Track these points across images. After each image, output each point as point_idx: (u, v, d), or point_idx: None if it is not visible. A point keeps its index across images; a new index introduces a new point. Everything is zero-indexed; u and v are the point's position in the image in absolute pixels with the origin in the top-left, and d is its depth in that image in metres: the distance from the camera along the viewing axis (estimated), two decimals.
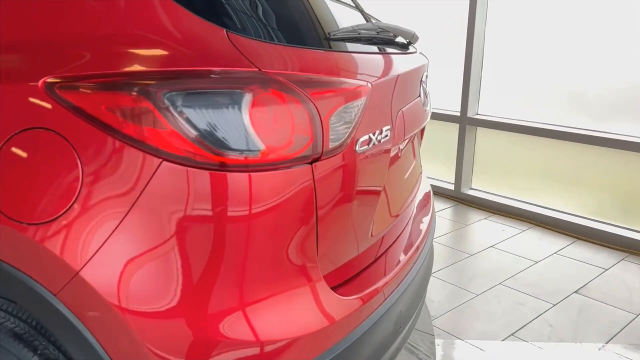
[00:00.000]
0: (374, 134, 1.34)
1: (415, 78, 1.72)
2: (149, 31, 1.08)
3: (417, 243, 1.75)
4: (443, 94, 4.43)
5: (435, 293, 2.92)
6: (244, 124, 1.03)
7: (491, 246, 3.54)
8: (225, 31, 1.10)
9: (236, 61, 1.08)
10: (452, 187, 4.43)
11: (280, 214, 1.10)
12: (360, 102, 1.26)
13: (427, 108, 1.86)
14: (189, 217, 1.03)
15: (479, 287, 2.98)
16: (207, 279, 1.05)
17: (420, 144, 2.20)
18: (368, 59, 1.46)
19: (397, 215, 1.66)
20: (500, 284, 3.03)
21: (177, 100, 1.01)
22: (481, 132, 4.30)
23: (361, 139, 1.29)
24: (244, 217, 1.06)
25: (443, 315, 2.70)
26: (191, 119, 1.01)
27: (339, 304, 1.24)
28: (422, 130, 2.12)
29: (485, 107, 4.26)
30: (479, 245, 3.56)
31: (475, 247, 3.53)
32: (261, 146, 1.05)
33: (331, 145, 1.18)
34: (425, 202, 2.08)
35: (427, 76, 1.88)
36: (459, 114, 4.28)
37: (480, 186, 4.37)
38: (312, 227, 1.18)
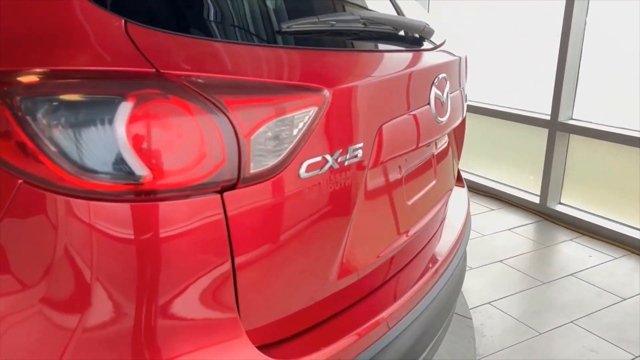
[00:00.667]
0: (332, 155, 1.04)
1: (421, 82, 1.37)
2: (18, 20, 0.88)
3: (429, 279, 1.43)
4: (528, 94, 3.92)
5: (491, 326, 2.53)
6: (116, 142, 0.80)
7: (571, 274, 3.04)
8: (124, 21, 0.88)
9: (129, 59, 0.85)
10: (536, 200, 3.91)
11: (171, 256, 0.86)
12: (306, 114, 0.98)
13: (444, 118, 1.48)
14: (48, 257, 0.82)
15: (545, 324, 2.54)
16: (73, 338, 0.84)
17: (458, 156, 1.85)
18: (338, 59, 1.16)
19: (390, 249, 1.35)
20: (572, 322, 2.57)
21: (39, 107, 0.80)
22: (575, 139, 3.74)
23: (309, 162, 1.00)
24: (121, 258, 0.83)
25: (492, 354, 2.31)
26: (53, 132, 0.80)
27: None
28: (458, 141, 1.78)
29: (578, 111, 3.70)
30: (556, 271, 3.07)
31: (551, 273, 3.05)
32: (143, 171, 0.82)
33: (254, 169, 0.91)
34: (455, 225, 1.74)
35: (448, 78, 1.50)
36: (548, 118, 3.76)
37: (570, 201, 3.82)
38: (226, 274, 0.92)
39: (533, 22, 3.95)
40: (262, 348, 0.99)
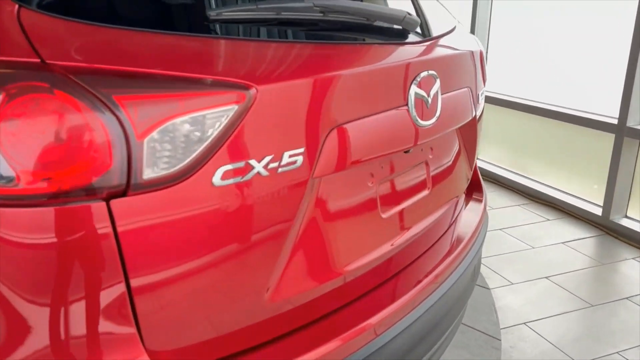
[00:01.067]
0: (260, 161, 0.91)
1: (394, 80, 1.19)
2: None
3: (421, 291, 1.28)
4: (594, 96, 3.57)
5: (522, 350, 2.29)
6: None
7: (626, 298, 2.72)
8: (17, 6, 0.80)
9: (16, 48, 0.77)
10: (599, 211, 3.56)
11: (45, 267, 0.77)
12: (224, 114, 0.85)
13: (430, 121, 1.28)
14: None
15: (585, 353, 2.28)
16: None
17: (470, 162, 1.65)
18: (277, 53, 1.03)
19: (362, 263, 1.20)
20: (618, 352, 2.28)
21: None
22: None
23: (226, 168, 0.87)
24: None
25: None
26: None
27: None
28: (468, 145, 1.58)
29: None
30: (609, 293, 2.76)
31: (603, 295, 2.75)
32: (11, 172, 0.73)
33: (148, 175, 0.80)
34: (459, 240, 1.55)
35: (438, 75, 1.29)
36: (615, 122, 3.40)
37: (637, 215, 3.44)
38: (120, 292, 0.82)
39: (603, 22, 3.59)
40: None
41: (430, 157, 1.43)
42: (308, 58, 1.07)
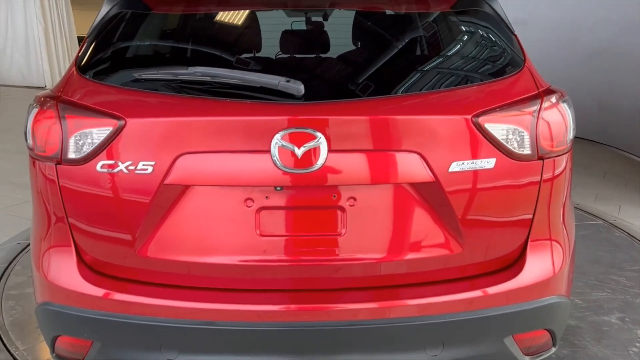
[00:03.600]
0: (123, 163, 1.57)
1: (252, 130, 1.55)
2: None
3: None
4: None
5: None
6: None
7: None
8: None
9: None
10: None
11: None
12: (105, 129, 1.59)
13: (304, 170, 1.53)
14: None
15: None
16: None
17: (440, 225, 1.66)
18: (153, 99, 1.66)
19: (216, 261, 1.66)
20: None
21: None
22: None
23: (103, 162, 1.58)
24: None
25: None
26: None
27: None
28: (447, 211, 1.65)
29: None
30: None
31: None
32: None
33: (70, 156, 1.60)
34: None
35: (322, 134, 1.53)
36: None
37: None
38: (64, 221, 1.69)
39: None
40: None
41: (349, 205, 1.59)
42: (173, 105, 1.61)
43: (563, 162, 1.73)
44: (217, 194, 1.59)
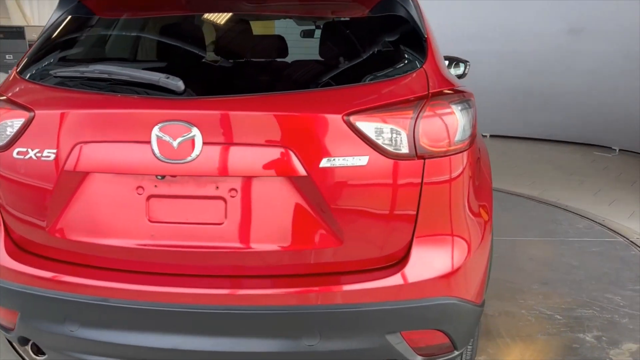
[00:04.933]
0: (32, 150, 1.75)
1: (134, 122, 1.69)
2: None
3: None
4: None
5: None
6: None
7: None
8: None
9: None
10: None
11: None
12: (17, 120, 1.78)
13: (180, 160, 1.63)
14: None
15: None
16: None
17: (319, 216, 1.69)
18: (57, 94, 1.84)
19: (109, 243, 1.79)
20: None
21: None
22: None
23: (18, 149, 1.77)
24: None
25: None
26: None
27: None
28: (323, 207, 1.69)
29: None
30: None
31: None
32: None
33: None
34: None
35: (197, 128, 1.63)
36: None
37: None
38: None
39: None
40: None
41: (230, 196, 1.67)
42: (72, 99, 1.78)
43: (457, 162, 1.72)
44: (111, 181, 1.72)
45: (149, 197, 1.71)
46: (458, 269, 1.76)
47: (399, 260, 1.72)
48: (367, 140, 1.62)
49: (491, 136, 9.23)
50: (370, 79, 1.74)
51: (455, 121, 1.71)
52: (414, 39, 1.86)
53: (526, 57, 8.52)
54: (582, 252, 3.92)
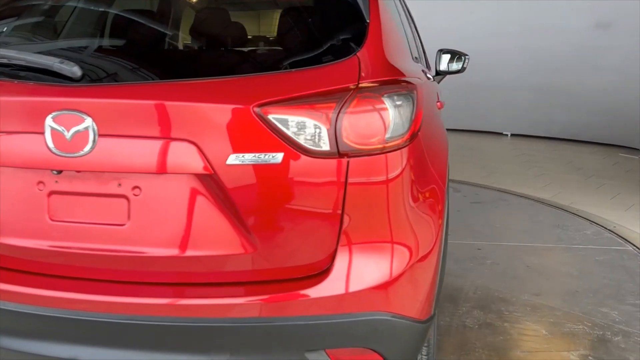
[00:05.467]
0: None
1: (26, 112, 1.54)
2: None
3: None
4: None
5: None
6: None
7: None
8: None
9: None
10: None
11: None
12: None
13: (73, 154, 1.49)
14: None
15: None
16: None
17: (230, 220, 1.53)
18: None
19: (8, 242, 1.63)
20: None
21: None
22: None
23: None
24: None
25: None
26: None
27: None
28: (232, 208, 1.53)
29: None
30: None
31: None
32: None
33: None
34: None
35: (91, 117, 1.48)
36: None
37: None
38: None
39: None
40: None
41: (134, 194, 1.52)
42: None
43: (391, 161, 1.53)
44: (11, 175, 1.58)
45: (50, 194, 1.57)
46: (392, 281, 1.57)
47: (323, 271, 1.54)
48: (281, 136, 1.45)
49: (512, 135, 8.91)
50: (291, 67, 1.57)
51: (387, 116, 1.52)
52: (352, 23, 1.68)
53: (549, 53, 8.16)
54: (585, 260, 3.65)
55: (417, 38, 3.27)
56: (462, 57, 3.99)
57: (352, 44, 1.62)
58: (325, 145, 1.47)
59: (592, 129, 8.00)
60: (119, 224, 1.54)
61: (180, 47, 1.74)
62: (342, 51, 1.62)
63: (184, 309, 1.52)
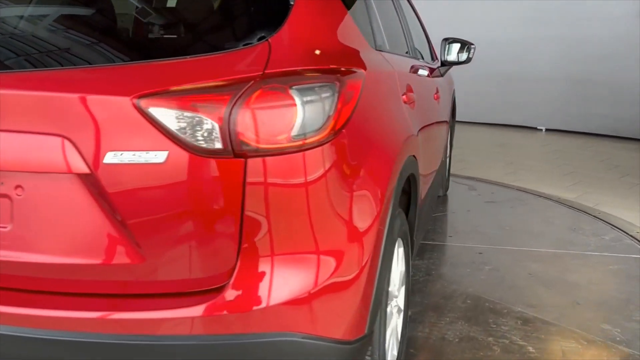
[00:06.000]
0: None
1: None
2: None
3: None
4: None
5: None
6: None
7: None
8: None
9: None
10: None
11: None
12: None
13: None
14: None
15: None
16: None
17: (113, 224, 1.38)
18: None
19: None
20: None
21: None
22: None
23: None
24: None
25: None
26: None
27: None
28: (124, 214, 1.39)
29: None
30: None
31: None
32: None
33: None
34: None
35: None
36: None
37: None
38: None
39: None
40: None
41: (17, 194, 1.38)
42: None
43: (301, 161, 1.35)
44: None
45: None
46: (304, 298, 1.39)
47: (220, 286, 1.37)
48: (164, 132, 1.28)
49: (547, 130, 8.45)
50: (186, 54, 1.39)
51: (294, 110, 1.33)
52: (271, 3, 1.49)
53: (588, 43, 7.66)
54: (597, 269, 3.34)
55: (406, 25, 3.03)
56: (469, 47, 3.72)
57: (268, 28, 1.44)
58: (217, 144, 1.29)
59: (634, 124, 7.47)
60: (1, 225, 1.41)
61: (57, 31, 1.57)
62: (253, 36, 1.43)
63: (60, 321, 1.38)
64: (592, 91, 7.79)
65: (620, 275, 3.24)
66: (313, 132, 1.36)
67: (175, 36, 1.52)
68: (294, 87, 1.34)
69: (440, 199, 4.70)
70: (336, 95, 1.43)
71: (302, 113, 1.34)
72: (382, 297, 1.69)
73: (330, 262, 1.43)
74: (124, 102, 1.28)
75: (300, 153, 1.35)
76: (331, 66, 1.51)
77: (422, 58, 3.61)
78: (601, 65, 7.57)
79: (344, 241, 1.46)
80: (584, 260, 3.47)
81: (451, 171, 5.27)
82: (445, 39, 3.73)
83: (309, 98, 1.36)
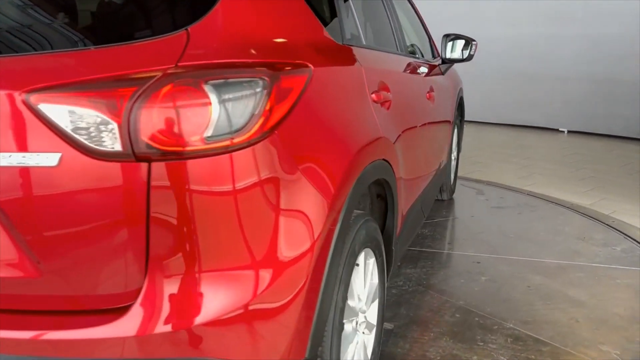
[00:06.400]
0: None
1: None
2: None
3: None
4: None
5: None
6: None
7: None
8: None
9: None
10: None
11: None
12: None
13: None
14: None
15: None
16: None
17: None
18: None
19: None
20: None
21: None
22: None
23: None
24: None
25: None
26: None
27: None
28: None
29: None
30: None
31: None
32: None
33: None
34: None
35: None
36: None
37: None
38: None
39: None
40: None
41: None
42: None
43: (219, 166, 1.19)
44: None
45: None
46: (225, 320, 1.24)
47: (128, 305, 1.22)
48: (57, 131, 1.14)
49: (569, 132, 8.11)
50: (89, 44, 1.25)
51: (208, 109, 1.18)
52: None
53: (612, 41, 7.32)
54: (603, 283, 3.10)
55: (396, 21, 2.84)
56: (470, 43, 3.51)
57: (190, 16, 1.29)
58: (116, 145, 1.15)
59: None
60: None
61: None
62: (172, 25, 1.28)
63: None
64: (616, 91, 7.44)
65: (627, 291, 3.00)
66: (233, 133, 1.20)
67: (79, 24, 1.37)
68: (209, 82, 1.19)
69: (444, 203, 4.49)
70: (265, 92, 1.27)
71: (219, 112, 1.18)
72: (329, 316, 1.52)
73: (254, 281, 1.27)
74: (12, 97, 1.15)
75: (218, 156, 1.20)
76: (265, 60, 1.35)
77: (422, 55, 3.42)
78: (626, 64, 7.22)
79: (272, 256, 1.30)
80: (589, 272, 3.22)
81: (460, 174, 5.06)
82: (446, 35, 3.53)
83: (227, 95, 1.20)
